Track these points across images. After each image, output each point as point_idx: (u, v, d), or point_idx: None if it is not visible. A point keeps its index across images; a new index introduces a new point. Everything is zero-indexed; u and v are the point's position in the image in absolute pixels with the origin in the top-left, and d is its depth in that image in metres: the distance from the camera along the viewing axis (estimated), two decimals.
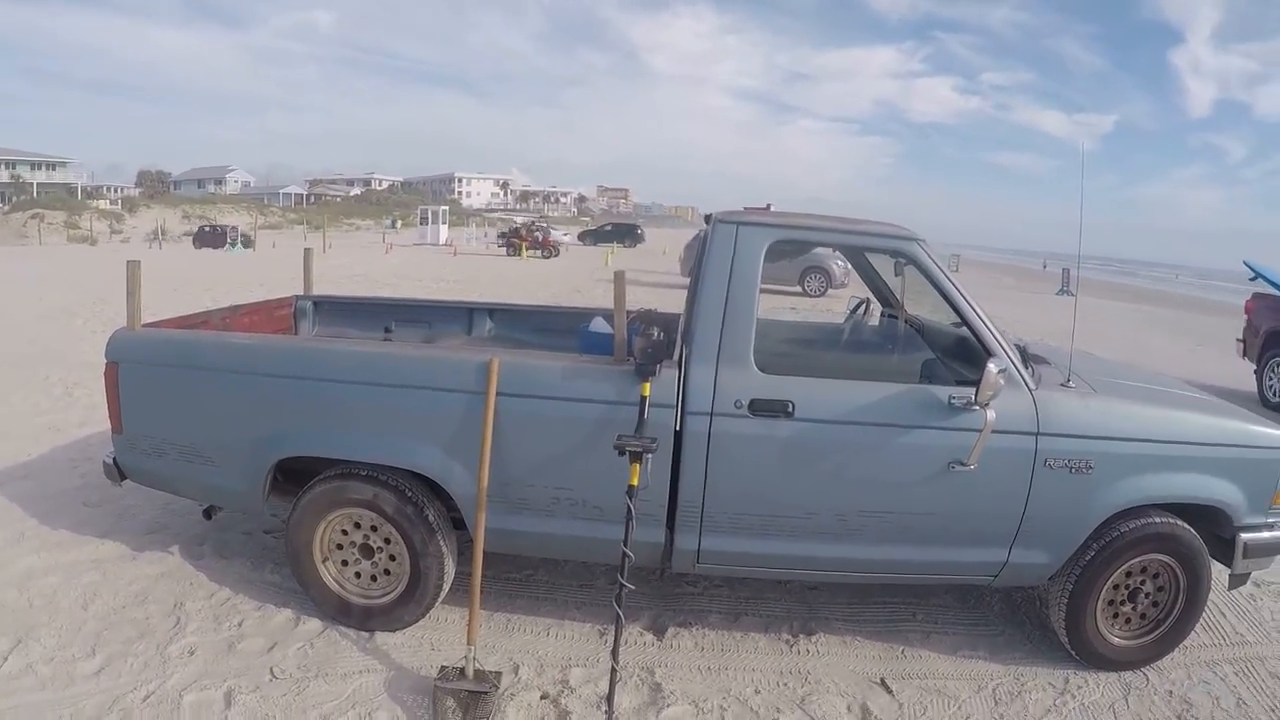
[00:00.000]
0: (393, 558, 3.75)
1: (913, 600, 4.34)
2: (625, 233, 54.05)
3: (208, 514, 4.33)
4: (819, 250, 19.09)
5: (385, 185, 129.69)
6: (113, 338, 3.98)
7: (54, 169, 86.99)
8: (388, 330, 5.62)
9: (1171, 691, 3.68)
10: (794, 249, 16.44)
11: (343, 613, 3.81)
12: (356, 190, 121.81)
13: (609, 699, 3.20)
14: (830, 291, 21.66)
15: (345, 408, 3.64)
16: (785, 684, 3.58)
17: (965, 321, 3.60)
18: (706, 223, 4.05)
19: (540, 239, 38.07)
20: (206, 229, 42.97)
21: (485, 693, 3.22)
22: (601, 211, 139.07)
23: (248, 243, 39.96)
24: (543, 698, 3.39)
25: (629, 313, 3.91)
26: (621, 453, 3.18)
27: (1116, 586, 3.75)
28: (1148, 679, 3.77)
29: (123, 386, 3.92)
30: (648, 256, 39.74)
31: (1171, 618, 3.79)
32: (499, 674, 3.39)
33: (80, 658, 3.50)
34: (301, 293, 5.77)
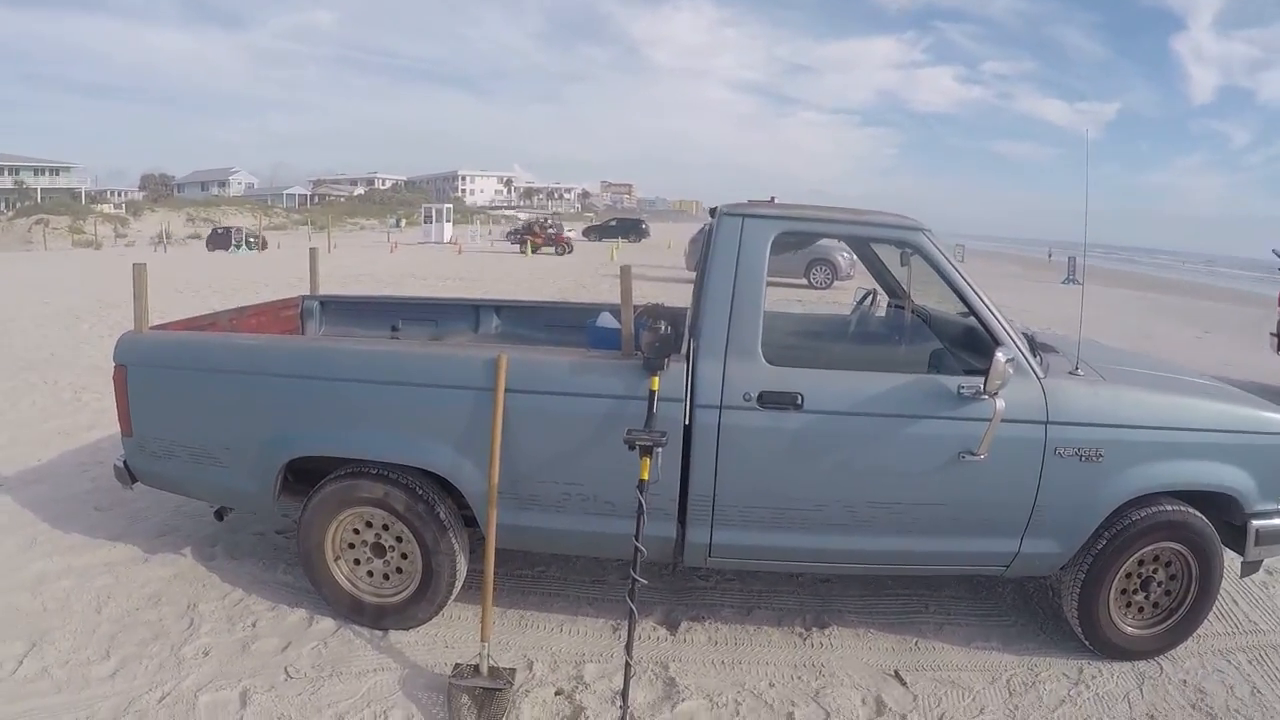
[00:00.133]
0: (405, 556, 3.76)
1: (925, 592, 4.34)
2: (630, 228, 54.00)
3: (219, 515, 4.35)
4: (824, 242, 19.05)
5: (389, 184, 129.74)
6: (120, 341, 3.99)
7: (57, 174, 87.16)
8: (395, 329, 5.63)
9: (1186, 681, 3.68)
10: (799, 241, 16.42)
11: (356, 611, 3.82)
12: (360, 190, 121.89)
13: (624, 694, 3.20)
14: (836, 283, 21.64)
15: (354, 407, 3.64)
16: (799, 677, 3.58)
17: (973, 311, 3.59)
18: (711, 216, 4.05)
19: (554, 236, 38.08)
20: (219, 231, 43.08)
21: (500, 689, 3.23)
22: (605, 207, 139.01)
23: (253, 244, 39.99)
24: (557, 693, 3.39)
25: (636, 307, 3.91)
26: (632, 447, 3.18)
27: (1129, 575, 3.74)
28: (1161, 668, 3.76)
29: (131, 389, 3.93)
30: (652, 251, 39.73)
31: (1184, 606, 3.78)
32: (513, 670, 3.40)
33: (95, 660, 3.51)
34: (308, 293, 5.78)
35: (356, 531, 3.78)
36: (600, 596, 4.20)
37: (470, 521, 3.74)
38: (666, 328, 3.47)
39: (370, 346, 3.90)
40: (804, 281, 21.70)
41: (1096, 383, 3.63)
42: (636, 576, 3.19)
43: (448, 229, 48.89)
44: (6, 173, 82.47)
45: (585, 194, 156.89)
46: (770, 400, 3.44)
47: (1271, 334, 10.53)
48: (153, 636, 3.70)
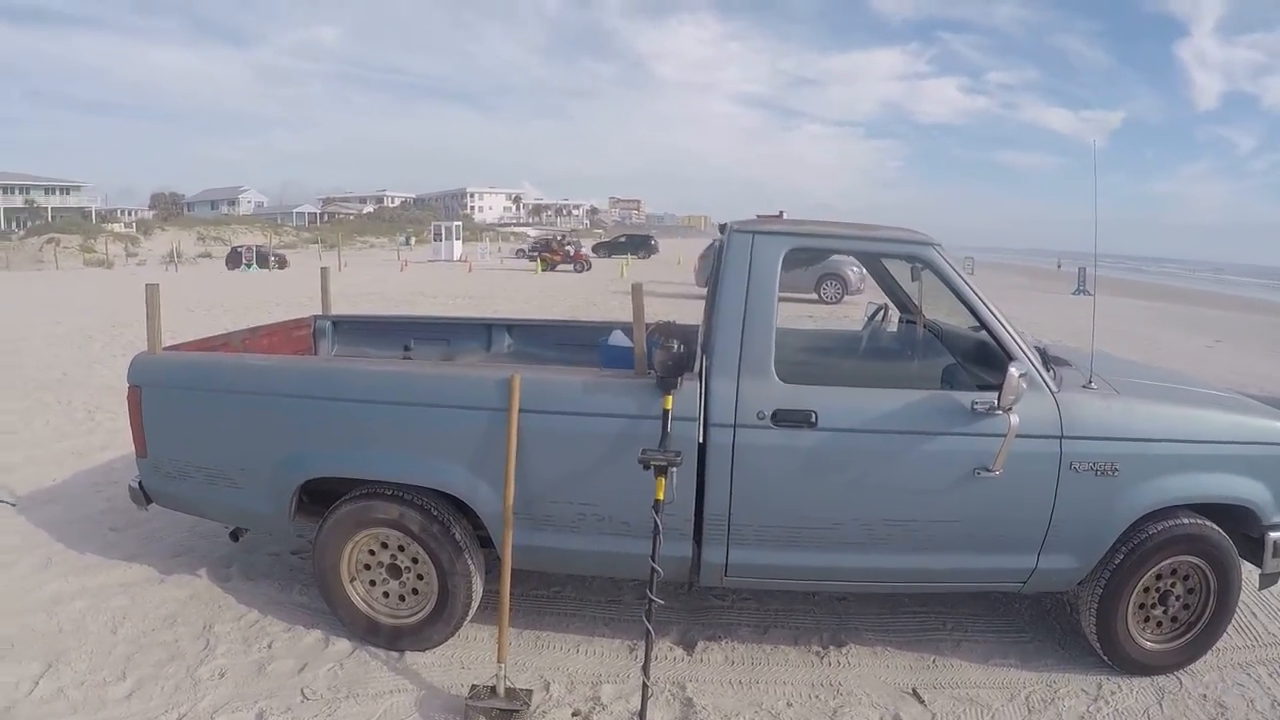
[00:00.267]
0: (420, 577, 3.75)
1: (942, 609, 4.32)
2: (639, 244, 54.07)
3: (234, 536, 4.36)
4: (834, 257, 19.06)
5: (397, 202, 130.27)
6: (134, 361, 4.01)
7: (68, 193, 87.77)
8: (407, 348, 5.64)
9: (1206, 695, 3.65)
10: (810, 257, 16.44)
11: (372, 633, 3.82)
12: (369, 208, 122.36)
13: (641, 715, 3.19)
14: (847, 298, 21.64)
15: (368, 428, 3.65)
16: (817, 696, 3.56)
17: (985, 325, 3.58)
18: (721, 232, 4.06)
19: (572, 253, 38.32)
20: (238, 250, 43.46)
21: (517, 711, 3.23)
22: (614, 223, 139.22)
23: (272, 263, 40.35)
24: (574, 715, 3.38)
25: (647, 325, 3.91)
26: (647, 467, 3.18)
27: (1146, 590, 3.72)
28: (1181, 683, 3.73)
29: (146, 410, 3.94)
30: (662, 267, 39.78)
31: (1203, 620, 3.76)
32: (530, 692, 3.39)
33: (111, 681, 3.51)
34: (320, 312, 5.80)
35: (372, 552, 3.78)
36: (616, 617, 4.19)
37: (486, 542, 3.74)
38: (679, 346, 3.47)
39: (384, 367, 3.92)
40: (814, 296, 21.71)
41: (1110, 396, 3.62)
42: (653, 597, 3.18)
43: (457, 247, 49.04)
44: (17, 192, 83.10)
45: (594, 210, 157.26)
46: (784, 418, 3.44)
47: None
48: (169, 658, 3.70)
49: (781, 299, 3.67)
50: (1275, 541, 3.67)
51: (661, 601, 3.23)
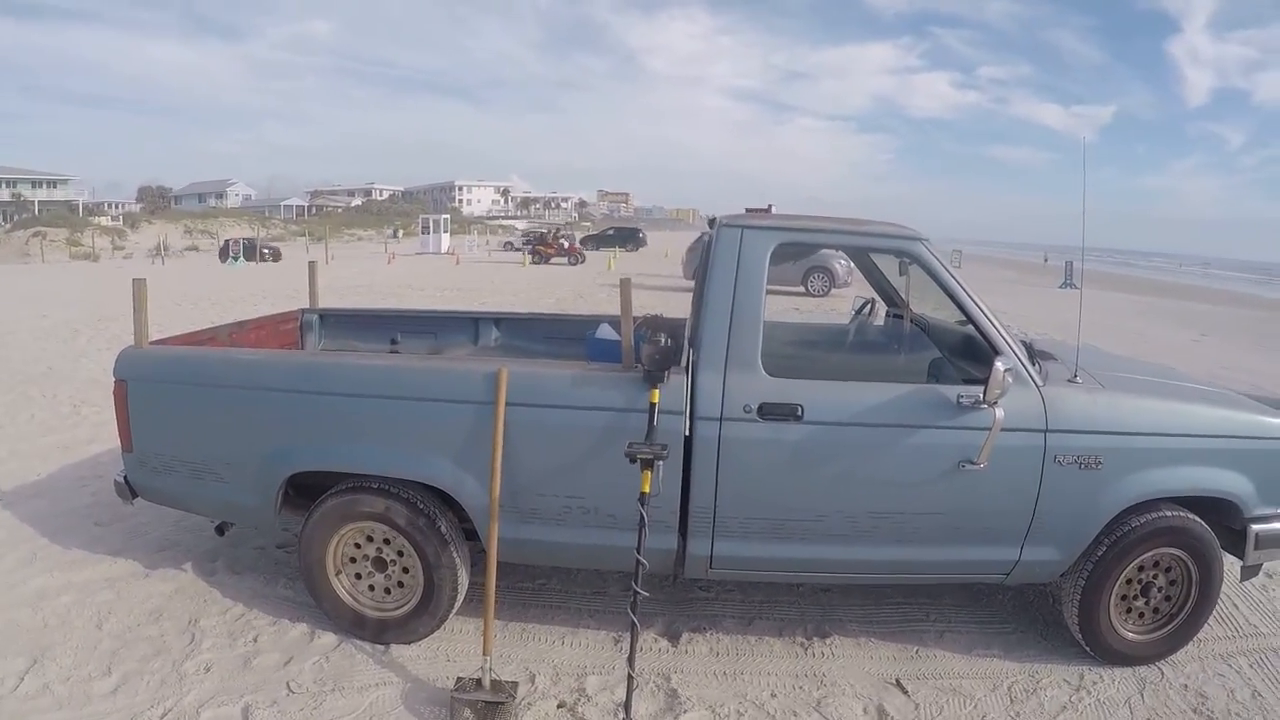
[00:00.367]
0: (406, 570, 3.76)
1: (926, 600, 4.34)
2: (627, 237, 54.08)
3: (220, 530, 4.35)
4: (822, 250, 19.10)
5: (386, 195, 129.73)
6: (120, 356, 3.99)
7: (54, 186, 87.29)
8: (394, 342, 5.63)
9: (1186, 685, 3.68)
10: (798, 252, 16.46)
11: (357, 626, 3.82)
12: (357, 201, 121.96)
13: (626, 706, 3.21)
14: (834, 291, 21.69)
15: (355, 421, 3.64)
16: (801, 687, 3.58)
17: (971, 320, 3.60)
18: (710, 226, 4.06)
19: (566, 246, 38.51)
20: (231, 243, 43.43)
21: (503, 703, 3.23)
22: (602, 216, 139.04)
23: (266, 256, 40.45)
24: (559, 706, 3.39)
25: (635, 319, 3.92)
26: (633, 460, 3.19)
27: (1129, 581, 3.75)
28: (1162, 673, 3.77)
29: (132, 404, 3.93)
30: (650, 260, 39.81)
31: (1185, 611, 3.79)
32: (515, 684, 3.40)
33: (96, 676, 3.51)
34: (307, 306, 5.79)
35: (358, 546, 3.78)
36: (602, 609, 4.20)
37: (471, 535, 3.74)
38: (666, 340, 3.48)
39: (370, 361, 3.91)
40: (802, 289, 21.75)
41: (1095, 390, 3.64)
42: (638, 589, 3.19)
43: (445, 239, 48.96)
44: (4, 185, 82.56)
45: (582, 203, 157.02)
46: (770, 412, 3.45)
47: None
48: (154, 652, 3.70)
49: (768, 291, 3.68)
50: (1257, 534, 3.69)
51: (647, 594, 3.24)
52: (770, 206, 4.24)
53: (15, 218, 71.57)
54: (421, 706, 3.36)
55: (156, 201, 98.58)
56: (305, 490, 3.85)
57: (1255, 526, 3.69)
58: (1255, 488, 3.68)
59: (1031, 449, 3.49)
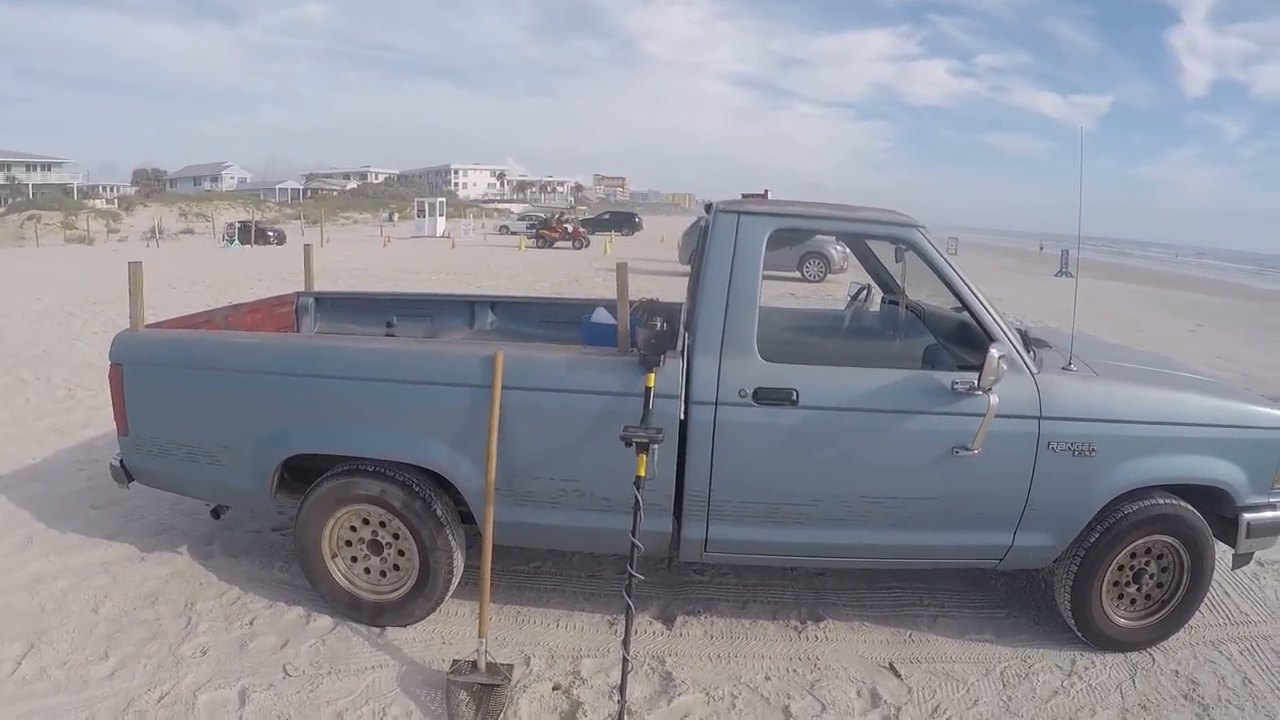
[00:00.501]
0: (402, 553, 3.77)
1: (919, 585, 4.36)
2: (623, 221, 53.94)
3: (216, 513, 4.36)
4: (818, 236, 19.08)
5: (381, 178, 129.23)
6: (116, 339, 3.98)
7: (49, 169, 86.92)
8: (390, 325, 5.63)
9: (1178, 671, 3.71)
10: (794, 237, 16.44)
11: (353, 609, 3.83)
12: (352, 184, 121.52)
13: (621, 689, 3.22)
14: (829, 276, 21.67)
15: (351, 404, 3.64)
16: (795, 670, 3.60)
17: (966, 306, 3.60)
18: (706, 211, 4.06)
19: (570, 230, 38.63)
20: (234, 225, 43.40)
21: (498, 685, 3.25)
22: (599, 200, 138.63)
23: (260, 238, 40.47)
24: (555, 689, 3.41)
25: (630, 303, 3.92)
26: (628, 444, 3.19)
27: (1121, 568, 3.77)
28: (1154, 659, 3.79)
29: (127, 388, 3.92)
30: (646, 244, 39.75)
31: (1176, 598, 3.81)
32: (511, 666, 3.42)
33: (93, 660, 3.51)
34: (302, 289, 5.78)
35: (353, 529, 3.79)
36: (596, 592, 4.22)
37: (467, 518, 3.76)
38: (662, 324, 3.48)
39: (366, 344, 3.91)
40: (797, 275, 21.73)
41: (1089, 378, 3.65)
42: (633, 572, 3.20)
43: (441, 223, 48.85)
44: None
45: (578, 187, 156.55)
46: (766, 396, 3.46)
47: None
48: (150, 636, 3.70)
49: (764, 277, 3.68)
50: (1249, 522, 3.72)
51: (641, 577, 3.25)
52: (767, 192, 4.23)
53: (9, 201, 71.18)
54: (417, 689, 3.37)
55: (151, 185, 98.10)
56: (301, 473, 3.86)
57: (1247, 515, 3.72)
58: (1247, 476, 3.70)
59: (1025, 435, 3.50)
